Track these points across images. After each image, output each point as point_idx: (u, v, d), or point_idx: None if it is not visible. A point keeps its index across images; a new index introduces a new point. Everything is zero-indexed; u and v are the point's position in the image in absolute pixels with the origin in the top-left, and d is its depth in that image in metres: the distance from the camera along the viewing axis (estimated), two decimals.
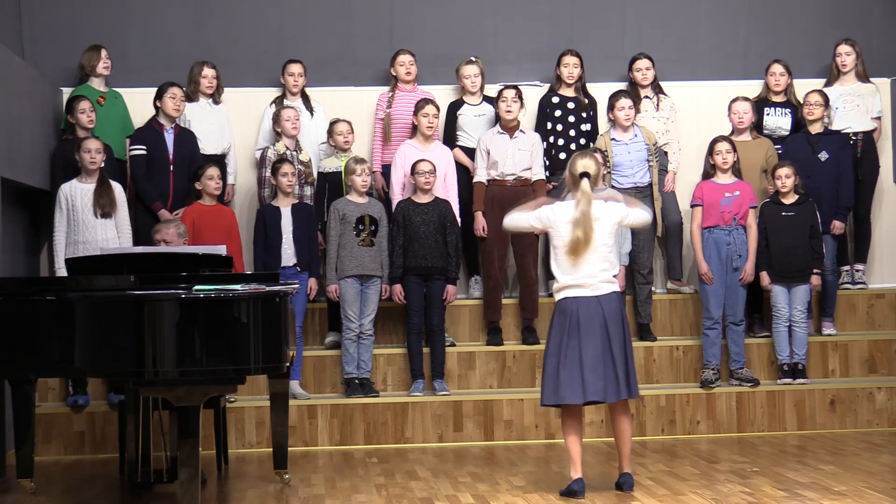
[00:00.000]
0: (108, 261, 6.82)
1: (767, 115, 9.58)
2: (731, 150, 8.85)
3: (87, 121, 8.68)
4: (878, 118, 9.71)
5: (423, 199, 8.75)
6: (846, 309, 9.56)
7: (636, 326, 9.22)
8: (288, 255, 8.60)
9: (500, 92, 9.12)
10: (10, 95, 8.22)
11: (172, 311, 5.93)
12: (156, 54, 9.68)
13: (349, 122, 9.10)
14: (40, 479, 7.18)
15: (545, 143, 9.32)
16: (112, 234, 8.37)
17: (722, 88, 9.80)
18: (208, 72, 9.22)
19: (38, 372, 6.53)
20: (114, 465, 7.72)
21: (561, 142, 9.37)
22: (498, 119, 9.20)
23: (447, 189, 8.98)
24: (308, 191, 9.01)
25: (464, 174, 9.21)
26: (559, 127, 9.40)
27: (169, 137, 8.87)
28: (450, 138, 9.41)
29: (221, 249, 7.08)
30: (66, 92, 9.23)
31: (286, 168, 8.64)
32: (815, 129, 9.29)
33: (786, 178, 8.82)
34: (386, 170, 9.25)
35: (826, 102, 9.31)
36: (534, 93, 9.61)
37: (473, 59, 9.47)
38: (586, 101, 9.50)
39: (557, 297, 6.69)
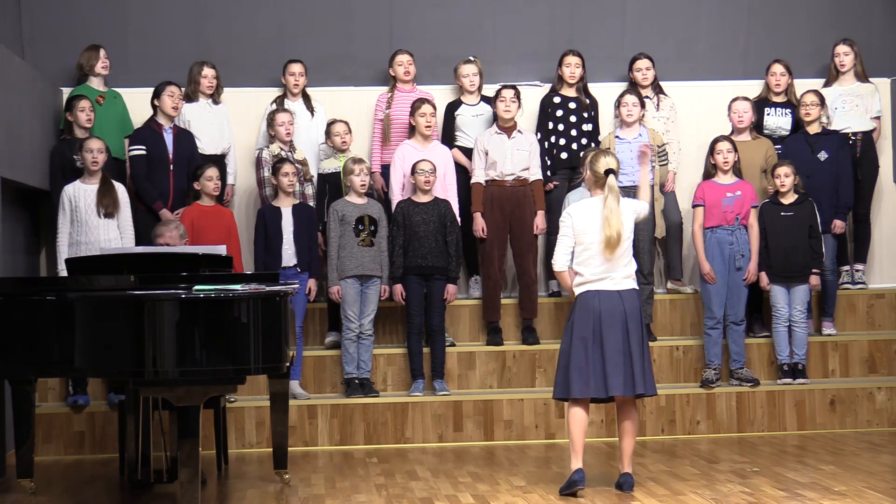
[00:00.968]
0: (108, 261, 6.82)
1: (768, 115, 9.57)
2: (732, 150, 8.85)
3: (86, 119, 8.68)
4: (878, 118, 9.71)
5: (423, 198, 8.75)
6: (846, 309, 9.56)
7: None
8: (288, 256, 8.60)
9: (499, 92, 9.12)
10: (10, 95, 8.22)
11: (172, 311, 5.93)
12: (155, 54, 9.68)
13: (346, 123, 9.10)
14: (40, 479, 7.18)
15: (546, 143, 9.32)
16: (115, 235, 8.38)
17: (722, 88, 9.80)
18: (208, 71, 9.22)
19: (38, 372, 6.53)
20: (114, 465, 7.72)
21: (562, 142, 9.37)
22: (496, 119, 9.19)
23: (446, 189, 8.98)
24: (309, 189, 9.00)
25: (462, 174, 9.20)
26: (560, 127, 9.40)
27: (168, 137, 8.87)
28: (448, 139, 9.40)
29: (221, 249, 7.08)
30: (66, 92, 9.23)
31: (287, 168, 8.63)
32: (814, 129, 9.29)
33: (785, 177, 8.81)
34: (385, 170, 9.25)
35: (822, 102, 9.30)
36: (534, 93, 9.61)
37: (472, 58, 9.47)
38: (587, 101, 9.50)
39: (578, 290, 6.72)
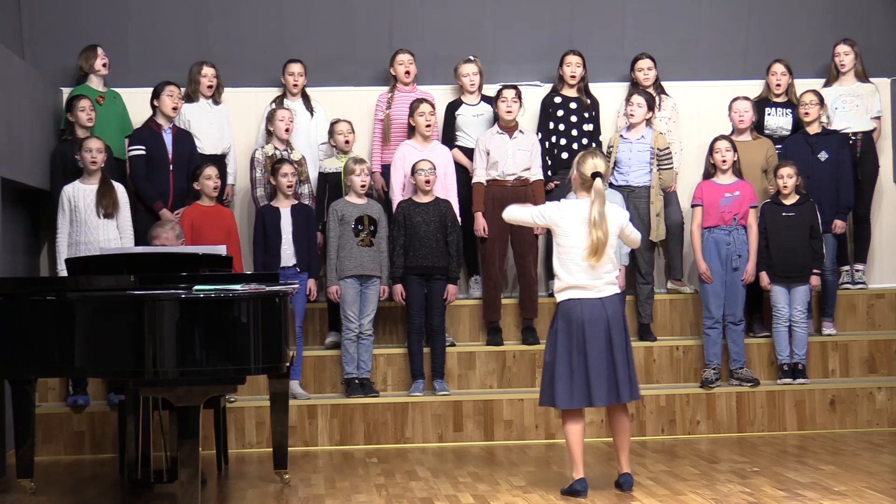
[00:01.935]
0: (108, 261, 6.82)
1: (768, 115, 9.58)
2: (731, 150, 8.85)
3: (87, 119, 8.69)
4: (878, 118, 9.71)
5: (424, 199, 8.75)
6: (846, 309, 9.56)
7: (637, 326, 9.23)
8: (287, 256, 8.60)
9: (500, 92, 9.12)
10: (10, 95, 8.22)
11: (172, 311, 5.93)
12: (156, 54, 9.68)
13: (350, 123, 9.10)
14: (40, 479, 7.18)
15: (547, 143, 9.32)
16: (114, 235, 8.38)
17: (722, 88, 9.81)
18: (208, 71, 9.22)
19: (38, 372, 6.53)
20: (114, 465, 7.72)
21: (563, 142, 9.37)
22: (496, 119, 9.20)
23: (447, 189, 8.97)
24: (306, 189, 9.00)
25: (463, 174, 9.20)
26: (561, 127, 9.40)
27: (167, 137, 8.87)
28: (448, 138, 9.41)
29: (221, 249, 7.08)
30: (66, 92, 9.23)
31: (286, 168, 8.63)
32: (814, 129, 9.29)
33: (787, 178, 8.81)
34: (385, 170, 9.25)
35: (821, 101, 9.30)
36: (534, 93, 9.61)
37: (472, 58, 9.47)
38: (588, 101, 9.50)
39: (560, 297, 6.67)
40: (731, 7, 10.26)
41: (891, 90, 10.04)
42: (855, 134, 9.57)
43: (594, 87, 9.63)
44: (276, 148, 8.96)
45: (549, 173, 9.28)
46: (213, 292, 5.99)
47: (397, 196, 8.93)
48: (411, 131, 9.13)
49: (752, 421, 8.71)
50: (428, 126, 9.03)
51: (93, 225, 8.33)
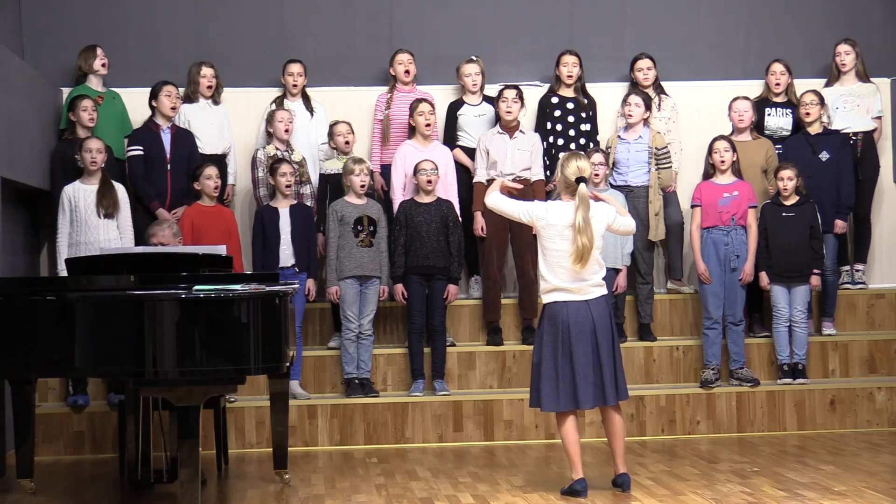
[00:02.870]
0: (108, 261, 6.82)
1: (768, 115, 9.57)
2: (730, 150, 8.85)
3: (88, 119, 8.69)
4: (879, 118, 9.71)
5: (426, 199, 8.75)
6: (846, 309, 9.56)
7: (637, 326, 9.23)
8: (286, 256, 8.60)
9: (501, 92, 9.12)
10: (10, 95, 8.22)
11: (172, 311, 5.93)
12: (155, 54, 9.68)
13: (349, 124, 9.10)
14: (40, 479, 7.18)
15: (545, 143, 9.31)
16: (114, 235, 8.38)
17: (722, 88, 9.80)
18: (207, 72, 9.22)
19: (38, 372, 6.53)
20: (114, 465, 7.73)
21: (560, 142, 9.37)
22: (498, 119, 9.20)
23: (447, 189, 8.98)
24: (308, 189, 9.00)
25: (464, 174, 9.20)
26: (559, 127, 9.40)
27: (166, 137, 8.87)
28: (450, 138, 9.41)
29: (221, 249, 7.08)
30: (66, 92, 9.23)
31: (284, 168, 8.63)
32: (815, 129, 9.29)
33: (788, 180, 8.81)
34: (385, 170, 9.25)
35: (822, 101, 9.30)
36: (533, 93, 9.61)
37: (474, 58, 9.47)
38: (585, 101, 9.50)
39: (546, 299, 6.66)
40: (731, 7, 10.26)
41: (891, 90, 10.04)
42: (856, 134, 9.57)
43: (594, 87, 9.63)
44: (277, 149, 8.96)
45: (548, 173, 9.27)
46: (213, 292, 5.99)
47: (398, 196, 8.93)
48: (411, 131, 9.13)
49: (752, 421, 8.71)
50: (428, 125, 9.03)
51: (93, 225, 8.33)
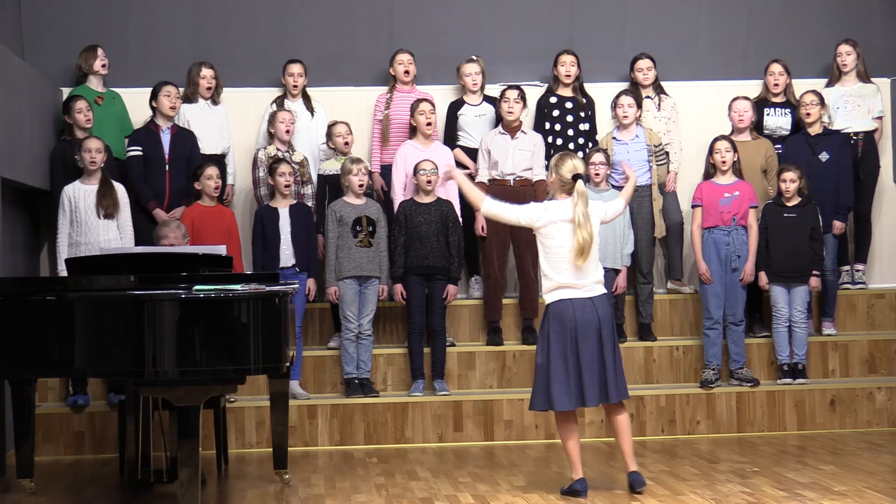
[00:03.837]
0: (107, 261, 6.82)
1: (768, 115, 9.58)
2: (731, 150, 8.85)
3: (85, 120, 8.69)
4: (879, 118, 9.71)
5: (426, 199, 8.75)
6: (846, 309, 9.56)
7: (637, 326, 9.23)
8: (286, 256, 8.60)
9: (503, 92, 9.13)
10: (10, 95, 8.22)
11: (172, 311, 5.93)
12: (155, 54, 9.68)
13: (347, 124, 9.10)
14: (40, 479, 7.18)
15: (544, 143, 9.31)
16: (114, 235, 8.38)
17: (722, 88, 9.80)
18: (207, 72, 9.22)
19: (38, 372, 6.54)
20: (114, 465, 7.72)
21: (559, 142, 9.37)
22: (499, 119, 9.20)
23: (448, 189, 8.97)
24: (308, 189, 9.00)
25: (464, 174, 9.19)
26: (557, 127, 9.40)
27: (165, 137, 8.87)
28: (450, 138, 9.41)
29: (221, 249, 7.08)
30: (66, 92, 9.22)
31: (283, 168, 8.63)
32: (815, 129, 9.29)
33: (790, 182, 8.81)
34: (385, 170, 9.25)
35: (822, 102, 9.30)
36: (532, 93, 9.61)
37: (474, 58, 9.47)
38: (584, 100, 9.50)
39: (550, 298, 6.66)
40: (731, 7, 10.26)
41: (891, 90, 10.04)
42: (856, 134, 9.57)
43: (594, 87, 9.63)
44: (278, 149, 8.96)
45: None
46: (213, 292, 5.99)
47: (398, 196, 8.94)
48: (412, 131, 9.14)
49: (752, 421, 8.71)
50: (428, 124, 9.03)
51: (93, 225, 8.33)
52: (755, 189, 8.94)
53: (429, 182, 8.69)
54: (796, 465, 7.51)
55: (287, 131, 8.98)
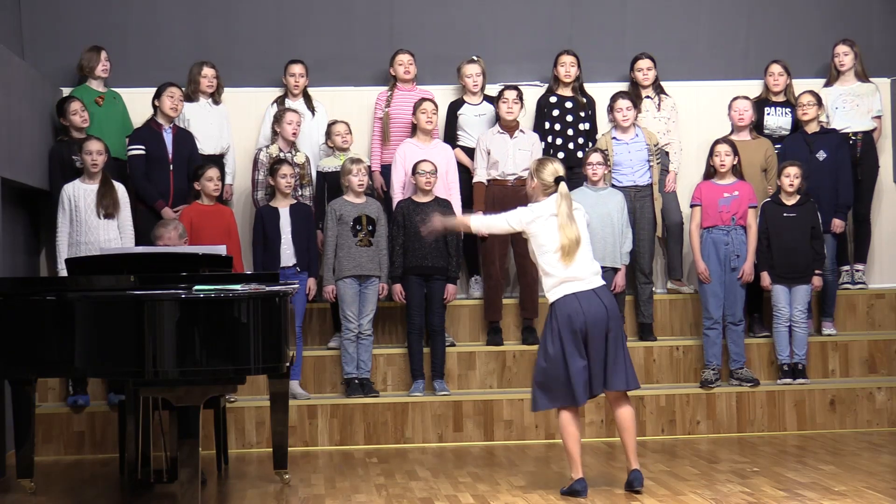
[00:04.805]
0: (107, 261, 6.82)
1: (768, 115, 9.58)
2: (731, 153, 8.84)
3: (81, 121, 8.69)
4: (878, 118, 9.71)
5: (424, 199, 8.75)
6: (846, 309, 9.56)
7: (637, 326, 9.23)
8: (287, 256, 8.60)
9: (501, 92, 9.13)
10: (10, 95, 8.22)
11: (172, 311, 5.93)
12: (156, 54, 9.68)
13: (347, 123, 9.10)
14: (40, 479, 7.18)
15: (543, 143, 9.32)
16: (114, 235, 8.38)
17: (722, 88, 9.81)
18: (208, 72, 9.22)
19: (38, 372, 6.53)
20: (114, 465, 7.73)
21: (559, 141, 9.37)
22: (498, 119, 9.20)
23: (449, 188, 8.98)
24: (308, 192, 8.99)
25: (464, 174, 9.21)
26: (557, 127, 9.40)
27: (167, 137, 8.87)
28: (450, 138, 9.41)
29: (221, 249, 7.08)
30: (66, 92, 9.23)
31: (285, 169, 8.63)
32: (812, 128, 9.30)
33: (794, 177, 8.81)
34: (385, 169, 9.25)
35: (819, 101, 9.31)
36: (532, 93, 9.61)
37: (475, 58, 9.47)
38: (584, 100, 9.50)
39: (554, 295, 6.66)
40: (731, 7, 10.26)
41: (891, 90, 10.04)
42: (855, 134, 9.57)
43: (594, 87, 9.63)
44: (280, 149, 8.95)
45: None
46: (213, 292, 5.99)
47: (398, 195, 8.94)
48: (412, 130, 9.14)
49: (752, 421, 8.71)
50: (429, 122, 9.03)
51: (93, 225, 8.33)
52: (755, 189, 8.94)
53: (427, 183, 8.69)
54: (796, 465, 7.51)
55: (293, 133, 8.97)
